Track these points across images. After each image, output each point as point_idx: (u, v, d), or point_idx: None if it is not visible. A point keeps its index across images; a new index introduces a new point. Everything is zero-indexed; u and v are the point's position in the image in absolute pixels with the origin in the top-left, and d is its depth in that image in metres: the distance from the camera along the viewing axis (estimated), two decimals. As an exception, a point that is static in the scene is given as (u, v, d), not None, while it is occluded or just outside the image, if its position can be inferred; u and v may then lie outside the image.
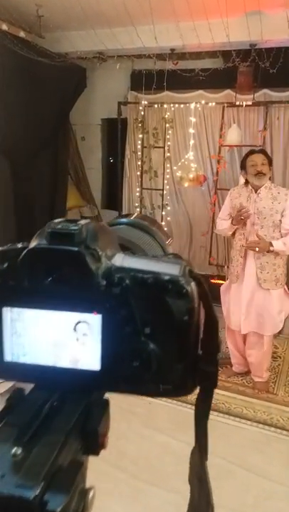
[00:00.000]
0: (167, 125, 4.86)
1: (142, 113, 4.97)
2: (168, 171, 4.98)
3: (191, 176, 4.45)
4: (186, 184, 4.54)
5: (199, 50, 4.43)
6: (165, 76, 4.58)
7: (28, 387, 0.34)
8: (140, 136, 5.04)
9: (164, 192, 5.05)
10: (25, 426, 0.30)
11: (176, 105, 4.74)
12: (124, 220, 0.47)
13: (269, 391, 2.91)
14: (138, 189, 5.20)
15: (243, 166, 2.89)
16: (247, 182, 2.87)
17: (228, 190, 4.62)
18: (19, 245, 0.32)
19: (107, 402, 0.35)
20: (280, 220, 2.74)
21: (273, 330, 2.88)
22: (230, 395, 2.81)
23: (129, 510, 1.85)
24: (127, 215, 0.49)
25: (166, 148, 4.91)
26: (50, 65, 4.40)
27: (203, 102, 4.60)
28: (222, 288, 3.08)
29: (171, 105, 4.76)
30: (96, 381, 0.32)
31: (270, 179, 2.90)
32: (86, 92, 5.22)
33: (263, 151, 2.97)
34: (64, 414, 0.32)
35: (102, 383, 0.32)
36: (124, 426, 2.46)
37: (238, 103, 4.45)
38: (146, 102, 4.86)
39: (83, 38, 4.46)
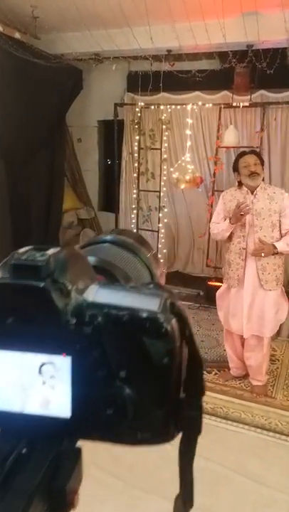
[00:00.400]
0: (164, 126, 4.84)
1: (139, 114, 4.94)
2: (165, 172, 4.95)
3: (187, 177, 4.43)
4: (182, 186, 4.51)
5: (196, 52, 4.41)
6: (161, 77, 4.56)
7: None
8: (137, 137, 5.02)
9: (161, 194, 5.03)
10: None
11: (173, 106, 4.72)
12: (108, 237, 0.44)
13: (267, 395, 2.88)
14: (135, 191, 5.17)
15: (236, 168, 2.86)
16: (240, 184, 2.84)
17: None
18: None
19: (79, 451, 0.31)
20: (279, 220, 2.72)
21: (273, 331, 2.86)
22: (228, 399, 2.79)
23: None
24: (112, 231, 0.46)
25: (162, 149, 4.89)
26: (46, 67, 4.37)
27: (200, 103, 4.58)
28: (219, 292, 3.04)
29: (168, 106, 4.74)
30: (67, 428, 0.29)
31: (263, 180, 2.88)
32: (82, 94, 5.20)
33: (254, 152, 2.95)
34: (30, 467, 0.29)
35: (73, 431, 0.29)
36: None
37: (235, 104, 4.43)
38: (142, 104, 4.84)
39: (79, 40, 4.44)
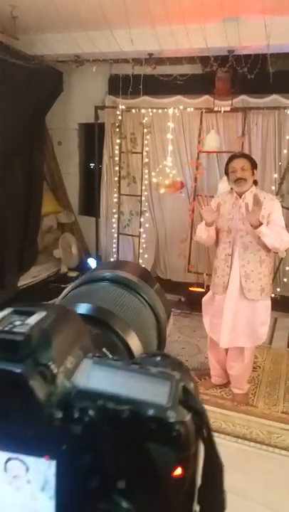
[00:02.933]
0: (145, 130, 4.79)
1: (120, 118, 4.89)
2: (146, 176, 4.91)
3: (166, 182, 4.39)
4: (162, 190, 4.47)
5: (177, 56, 4.39)
6: (142, 80, 4.52)
7: None
8: (118, 141, 4.96)
9: (143, 198, 4.97)
10: None
11: (154, 110, 4.68)
12: (107, 274, 0.38)
13: (249, 403, 2.84)
14: (116, 195, 5.11)
15: (226, 172, 2.82)
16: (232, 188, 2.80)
17: (207, 196, 4.60)
18: None
19: None
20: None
21: (256, 342, 2.80)
22: (208, 408, 2.70)
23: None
24: (112, 264, 0.40)
25: (144, 153, 4.84)
26: (25, 68, 4.28)
27: (181, 107, 4.55)
28: (205, 298, 2.98)
29: (149, 110, 4.70)
30: None
31: (256, 184, 2.81)
32: (63, 96, 5.11)
33: (245, 156, 2.86)
34: None
35: None
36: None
37: (216, 109, 4.42)
38: (123, 107, 4.79)
39: (59, 41, 4.36)
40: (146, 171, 4.90)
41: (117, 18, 3.74)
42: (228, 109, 4.38)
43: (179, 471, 0.21)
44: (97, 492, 0.21)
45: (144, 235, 5.07)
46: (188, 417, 0.22)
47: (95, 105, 4.97)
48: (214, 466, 0.25)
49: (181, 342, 3.69)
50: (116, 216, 5.17)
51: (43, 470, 0.21)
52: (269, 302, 2.76)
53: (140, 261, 5.10)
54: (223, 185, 4.22)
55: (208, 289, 3.19)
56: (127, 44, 4.09)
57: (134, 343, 0.33)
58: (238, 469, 2.13)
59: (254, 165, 2.75)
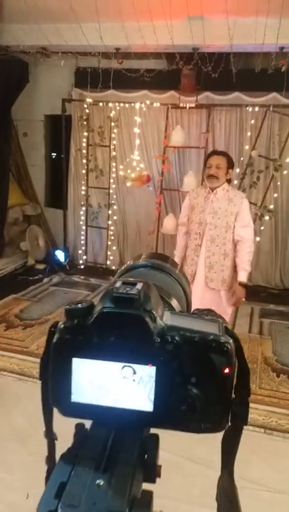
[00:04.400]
0: (112, 124, 4.86)
1: (87, 111, 4.93)
2: (114, 170, 4.98)
3: (132, 175, 4.49)
4: (128, 183, 4.57)
5: (144, 51, 4.48)
6: (111, 75, 4.58)
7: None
8: (85, 134, 5.00)
9: (111, 191, 5.05)
10: (98, 459, 0.36)
11: (122, 104, 4.76)
12: (145, 262, 0.53)
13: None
14: (84, 187, 5.16)
15: (205, 165, 2.97)
16: None
17: (173, 190, 4.76)
18: (80, 305, 0.37)
19: (157, 437, 0.40)
20: (233, 223, 2.84)
21: None
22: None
23: None
24: (145, 256, 0.55)
25: (111, 147, 4.91)
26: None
27: (148, 102, 4.65)
28: None
29: (116, 104, 4.77)
30: (148, 420, 0.37)
31: (229, 182, 2.97)
32: (29, 88, 5.09)
33: (224, 154, 2.99)
34: (126, 448, 0.37)
35: (153, 422, 0.37)
36: (73, 428, 2.45)
37: (181, 105, 4.55)
38: (91, 101, 4.83)
39: (26, 32, 4.34)
40: (114, 164, 4.98)
41: (85, 12, 3.77)
42: (193, 105, 4.53)
43: (227, 370, 0.36)
44: (179, 384, 0.36)
45: (112, 227, 5.16)
46: (231, 340, 0.37)
47: (62, 98, 4.99)
48: (244, 371, 0.39)
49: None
50: (84, 208, 5.22)
51: (146, 373, 0.36)
52: (229, 293, 2.94)
53: (108, 252, 5.19)
54: (189, 180, 4.38)
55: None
56: (94, 38, 4.14)
57: (175, 305, 0.48)
58: (203, 443, 2.29)
59: (230, 164, 2.92)
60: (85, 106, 4.90)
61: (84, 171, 5.13)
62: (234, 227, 2.83)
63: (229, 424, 0.39)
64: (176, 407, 0.36)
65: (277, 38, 3.69)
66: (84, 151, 5.07)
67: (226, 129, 4.71)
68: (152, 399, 0.36)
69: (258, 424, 2.59)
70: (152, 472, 0.38)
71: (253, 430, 2.53)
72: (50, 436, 0.47)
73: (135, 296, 0.36)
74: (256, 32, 3.75)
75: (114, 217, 5.17)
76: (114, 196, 5.13)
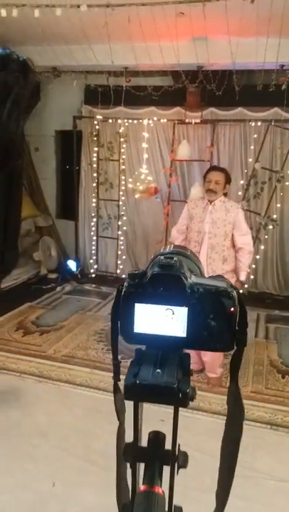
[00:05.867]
0: (122, 139, 5.09)
1: (97, 127, 5.16)
2: (123, 182, 5.20)
3: (140, 187, 4.68)
4: (137, 195, 4.77)
5: (151, 70, 4.71)
6: (117, 92, 4.81)
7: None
8: (96, 149, 5.23)
9: (120, 203, 5.26)
10: (154, 362, 0.55)
11: (130, 121, 4.98)
12: (172, 250, 0.72)
13: (222, 385, 3.17)
14: (94, 200, 5.37)
15: (204, 178, 3.18)
16: None
17: (179, 201, 4.96)
18: (137, 271, 0.57)
19: (188, 355, 0.62)
20: (231, 231, 3.08)
21: None
22: (187, 391, 3.05)
23: (103, 499, 2.00)
24: (170, 247, 0.74)
25: (121, 161, 5.13)
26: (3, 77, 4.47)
27: (155, 118, 4.88)
28: None
29: (125, 121, 5.00)
30: (183, 343, 0.57)
31: (226, 195, 3.21)
32: (40, 105, 5.33)
33: (222, 170, 3.24)
34: (170, 360, 0.58)
35: (186, 345, 0.57)
36: (92, 425, 2.61)
37: (187, 120, 4.77)
38: (101, 117, 5.06)
39: (40, 53, 4.60)
40: (123, 177, 5.19)
41: (96, 34, 4.01)
42: (198, 120, 4.75)
43: (232, 309, 0.54)
44: (202, 319, 0.54)
45: (122, 238, 5.36)
46: (235, 290, 0.55)
47: (73, 115, 5.23)
48: (243, 312, 0.56)
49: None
50: (95, 220, 5.43)
51: (181, 312, 0.54)
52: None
53: (118, 262, 5.38)
54: (196, 191, 4.57)
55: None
56: (104, 58, 4.39)
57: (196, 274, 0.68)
58: (213, 437, 2.45)
59: (228, 180, 3.18)
60: (95, 122, 5.13)
61: (94, 184, 5.35)
62: (232, 235, 3.09)
63: (235, 348, 0.58)
64: (201, 334, 0.55)
65: (277, 57, 3.90)
66: (94, 165, 5.29)
67: (230, 142, 4.92)
68: (185, 329, 0.55)
69: (265, 421, 2.75)
70: (188, 369, 0.58)
71: (260, 426, 2.70)
72: (116, 360, 0.65)
73: (174, 264, 0.54)
74: (257, 51, 3.97)
75: (124, 228, 5.37)
76: (124, 208, 5.34)
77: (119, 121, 5.00)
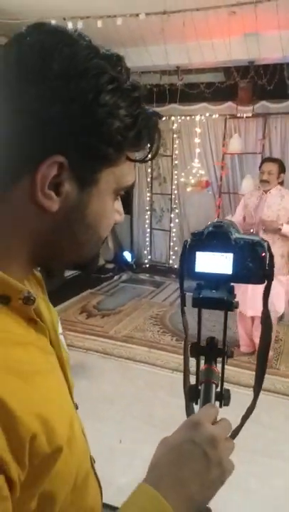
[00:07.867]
0: (174, 135, 5.31)
1: (151, 124, 5.41)
2: (176, 177, 5.43)
3: (192, 181, 4.89)
4: (188, 189, 4.97)
5: (203, 67, 4.89)
6: (176, 91, 5.02)
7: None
8: (149, 145, 5.48)
9: (173, 196, 5.50)
10: (210, 288, 0.73)
11: (183, 117, 5.19)
12: (216, 223, 0.92)
13: (272, 367, 3.33)
14: (148, 194, 5.65)
15: (260, 169, 3.40)
16: None
17: (231, 193, 5.11)
18: (197, 231, 0.74)
19: (232, 286, 0.78)
20: (283, 215, 3.23)
21: (273, 313, 3.30)
22: (239, 370, 3.24)
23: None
24: (218, 221, 0.93)
25: (173, 156, 5.37)
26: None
27: (207, 114, 5.05)
28: None
29: (178, 117, 5.21)
30: (230, 278, 0.74)
31: (282, 184, 3.38)
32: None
33: (275, 161, 3.42)
34: (220, 288, 0.75)
35: (232, 279, 0.74)
36: (151, 395, 2.89)
37: (239, 115, 4.90)
38: (155, 115, 5.30)
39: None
40: (176, 171, 5.42)
41: (151, 37, 4.26)
42: (249, 114, 4.87)
43: (263, 254, 0.73)
44: (243, 261, 0.73)
45: (174, 230, 5.60)
46: (265, 242, 0.73)
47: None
48: (270, 255, 0.74)
49: (211, 321, 4.18)
50: (149, 213, 5.71)
51: (229, 257, 0.74)
52: (282, 278, 3.26)
53: (171, 253, 5.63)
54: (247, 183, 4.72)
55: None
56: (159, 58, 4.62)
57: None
58: (265, 411, 2.65)
59: (282, 169, 3.34)
60: (150, 120, 5.38)
61: (148, 179, 5.63)
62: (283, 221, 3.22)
63: (264, 281, 0.74)
64: (242, 272, 0.72)
65: None
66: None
67: (281, 134, 4.99)
68: (231, 268, 0.73)
69: None
70: (232, 292, 0.74)
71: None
72: (183, 292, 0.79)
73: (224, 224, 0.74)
74: (309, 43, 4.04)
75: (176, 220, 5.60)
76: (176, 201, 5.57)
77: (173, 118, 5.23)
